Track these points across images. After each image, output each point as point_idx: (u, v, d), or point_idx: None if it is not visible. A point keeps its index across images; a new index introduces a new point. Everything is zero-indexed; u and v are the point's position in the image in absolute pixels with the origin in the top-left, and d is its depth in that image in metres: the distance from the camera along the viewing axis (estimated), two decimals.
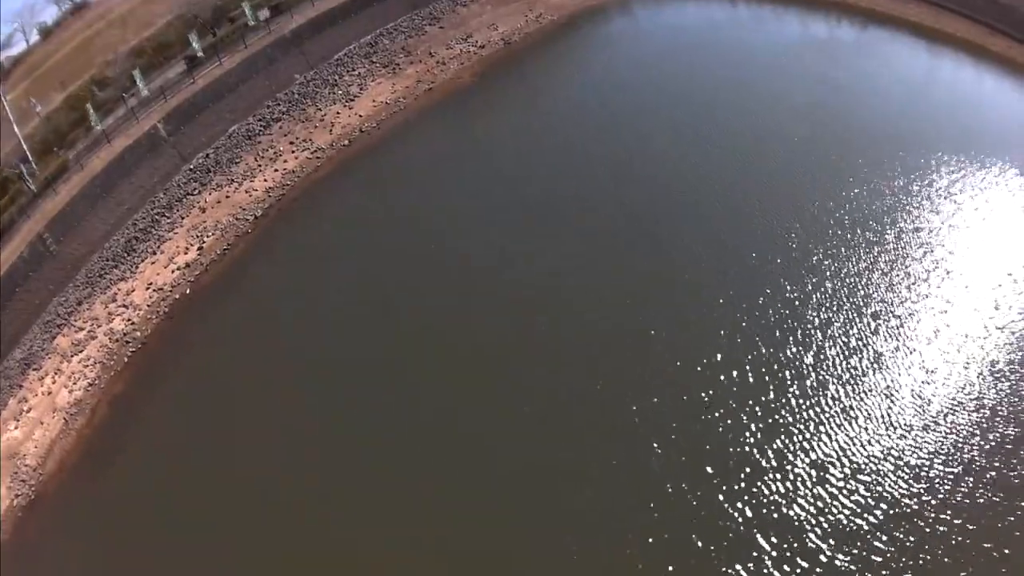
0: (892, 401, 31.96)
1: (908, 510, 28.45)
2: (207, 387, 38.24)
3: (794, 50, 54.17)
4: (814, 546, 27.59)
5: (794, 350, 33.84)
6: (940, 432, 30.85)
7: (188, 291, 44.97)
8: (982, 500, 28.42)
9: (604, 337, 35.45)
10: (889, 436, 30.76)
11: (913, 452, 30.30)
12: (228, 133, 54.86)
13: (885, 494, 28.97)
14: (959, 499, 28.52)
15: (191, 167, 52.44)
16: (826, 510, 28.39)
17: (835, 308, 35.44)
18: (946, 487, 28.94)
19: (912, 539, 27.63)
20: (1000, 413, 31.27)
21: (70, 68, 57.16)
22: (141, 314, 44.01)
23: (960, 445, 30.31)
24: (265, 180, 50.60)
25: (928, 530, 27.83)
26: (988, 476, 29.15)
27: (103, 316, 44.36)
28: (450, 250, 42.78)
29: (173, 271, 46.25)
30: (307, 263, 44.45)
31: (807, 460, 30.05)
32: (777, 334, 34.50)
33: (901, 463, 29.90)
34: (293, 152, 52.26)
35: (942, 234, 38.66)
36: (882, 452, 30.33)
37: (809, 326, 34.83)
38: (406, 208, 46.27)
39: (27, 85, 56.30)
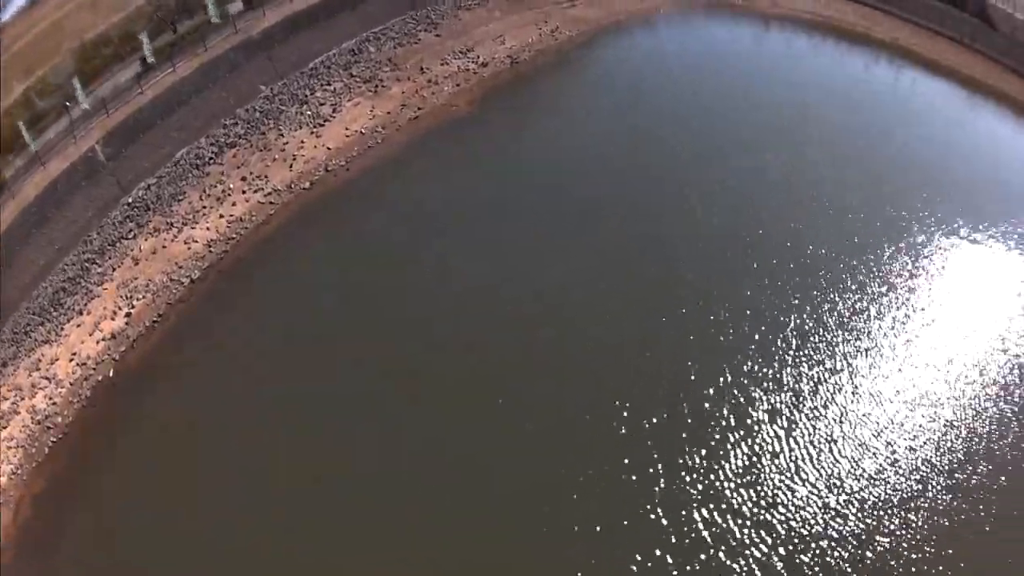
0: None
1: None
2: (130, 499, 30.66)
3: (827, 87, 48.77)
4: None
5: (807, 368, 33.72)
6: None
7: (111, 372, 35.68)
8: None
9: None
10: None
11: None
12: (175, 159, 44.57)
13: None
14: None
15: (129, 200, 42.38)
16: (843, 536, 28.24)
17: (850, 335, 35.21)
18: None
19: None
20: None
21: (25, 62, 46.34)
22: (63, 394, 35.22)
23: None
24: (207, 228, 40.33)
25: None
26: None
27: (26, 387, 35.65)
28: (419, 353, 34.00)
29: (98, 341, 36.93)
30: (245, 349, 35.23)
31: (819, 475, 30.14)
32: (790, 352, 34.23)
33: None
34: (244, 192, 41.60)
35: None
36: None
37: (822, 347, 34.53)
38: (367, 285, 36.77)
39: None
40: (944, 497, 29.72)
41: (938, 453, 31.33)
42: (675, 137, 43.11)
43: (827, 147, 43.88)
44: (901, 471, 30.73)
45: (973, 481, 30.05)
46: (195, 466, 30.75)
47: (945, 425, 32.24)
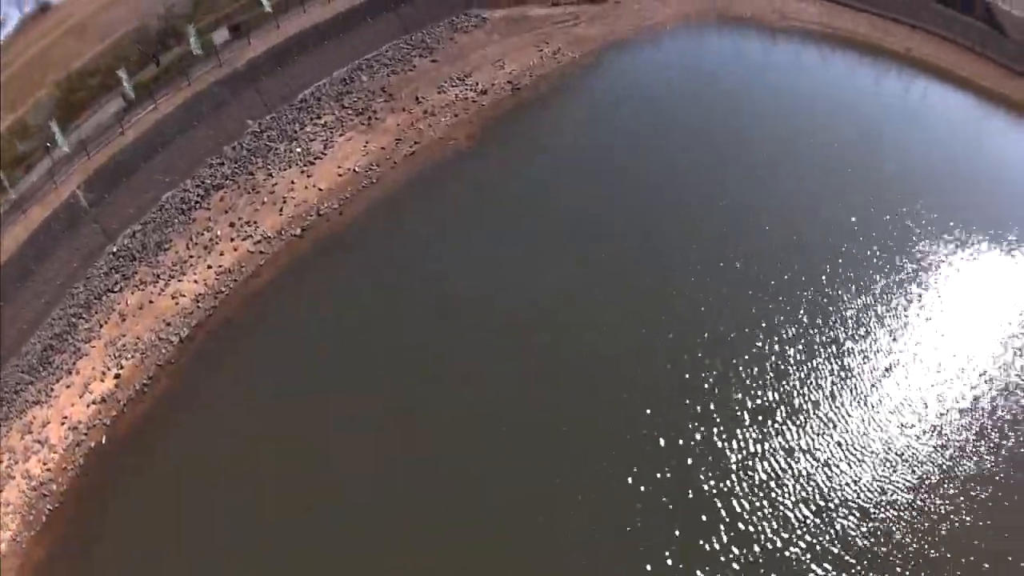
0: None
1: None
2: (127, 569, 29.01)
3: (837, 99, 46.55)
4: None
5: (804, 377, 33.03)
6: None
7: (103, 439, 33.32)
8: None
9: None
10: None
11: None
12: (160, 203, 41.83)
13: None
14: None
15: (115, 250, 39.69)
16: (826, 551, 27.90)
17: (851, 341, 34.47)
18: None
19: None
20: None
21: (9, 95, 43.54)
22: (57, 460, 33.17)
23: None
24: (195, 281, 37.72)
25: None
26: None
27: (20, 450, 33.60)
28: (414, 415, 31.48)
29: (88, 405, 34.54)
30: (236, 413, 32.80)
31: (815, 485, 29.84)
32: (789, 361, 33.57)
33: None
34: (232, 240, 38.63)
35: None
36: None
37: (821, 357, 33.79)
38: (360, 341, 34.06)
39: None
40: None
41: None
42: (688, 171, 40.24)
43: (839, 161, 42.24)
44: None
45: None
46: (190, 535, 29.10)
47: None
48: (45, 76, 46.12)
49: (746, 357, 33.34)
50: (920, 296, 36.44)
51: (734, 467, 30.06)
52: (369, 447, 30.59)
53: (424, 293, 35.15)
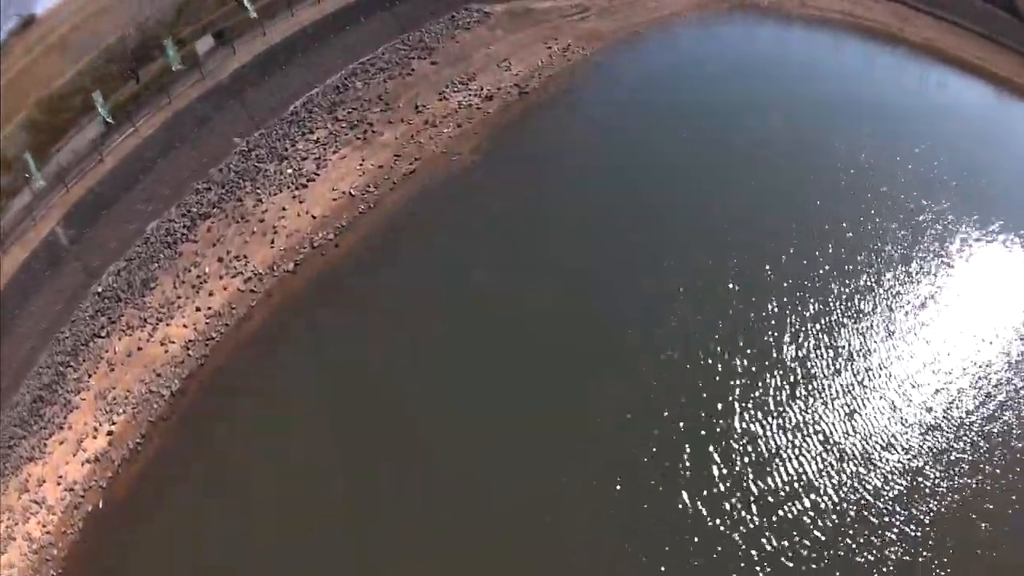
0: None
1: None
2: None
3: (859, 93, 42.53)
4: None
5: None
6: None
7: (100, 503, 31.00)
8: None
9: None
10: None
11: None
12: (144, 235, 38.48)
13: None
14: None
15: (99, 290, 36.58)
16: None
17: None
18: None
19: None
20: None
21: None
22: (56, 522, 30.93)
23: None
24: (184, 326, 34.76)
25: None
26: None
27: (18, 509, 31.45)
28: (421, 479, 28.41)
29: (83, 463, 32.05)
30: (232, 475, 30.14)
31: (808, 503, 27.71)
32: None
33: None
34: (221, 277, 35.38)
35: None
36: None
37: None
38: (361, 393, 31.03)
39: None
40: None
41: None
42: (714, 190, 35.86)
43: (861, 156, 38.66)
44: None
45: None
46: None
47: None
48: (27, 97, 42.65)
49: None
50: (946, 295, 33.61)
51: (741, 457, 28.32)
52: (375, 515, 27.79)
53: (424, 337, 31.71)
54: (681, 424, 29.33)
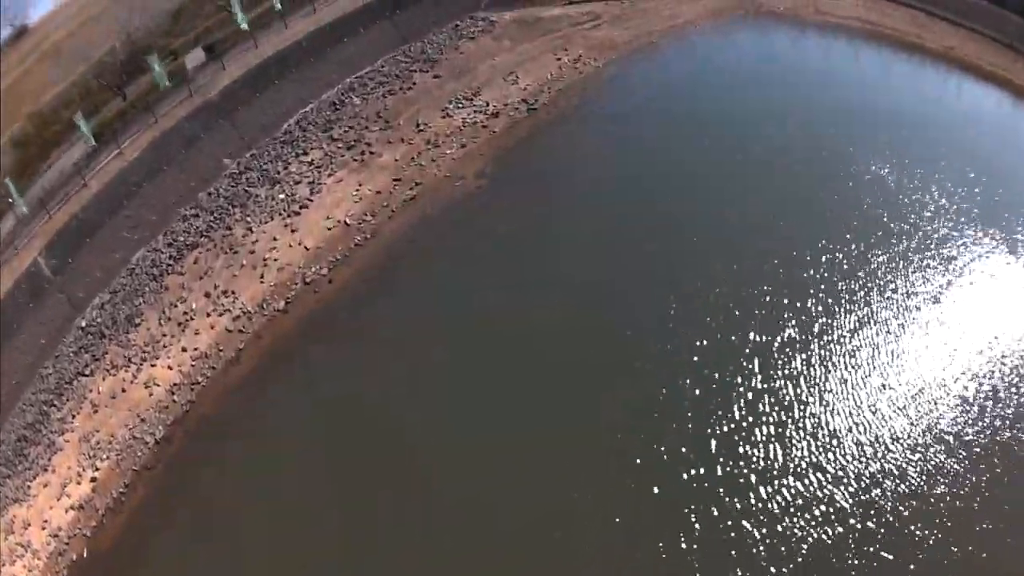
0: None
1: None
2: None
3: (881, 103, 39.75)
4: None
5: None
6: None
7: (84, 552, 28.86)
8: None
9: None
10: None
11: None
12: (130, 265, 36.14)
13: None
14: None
15: (83, 324, 34.36)
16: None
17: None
18: None
19: None
20: None
21: None
22: (41, 568, 29.08)
23: None
24: (169, 367, 32.36)
25: None
26: None
27: (5, 551, 29.70)
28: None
29: (67, 509, 30.04)
30: (217, 529, 27.58)
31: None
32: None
33: None
34: (208, 314, 32.86)
35: None
36: None
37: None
38: (354, 445, 28.28)
39: None
40: None
41: None
42: (732, 189, 33.06)
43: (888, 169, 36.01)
44: None
45: None
46: None
47: None
48: (21, 108, 40.79)
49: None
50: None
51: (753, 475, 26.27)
52: (373, 545, 25.60)
53: (423, 364, 29.18)
54: (697, 435, 27.15)
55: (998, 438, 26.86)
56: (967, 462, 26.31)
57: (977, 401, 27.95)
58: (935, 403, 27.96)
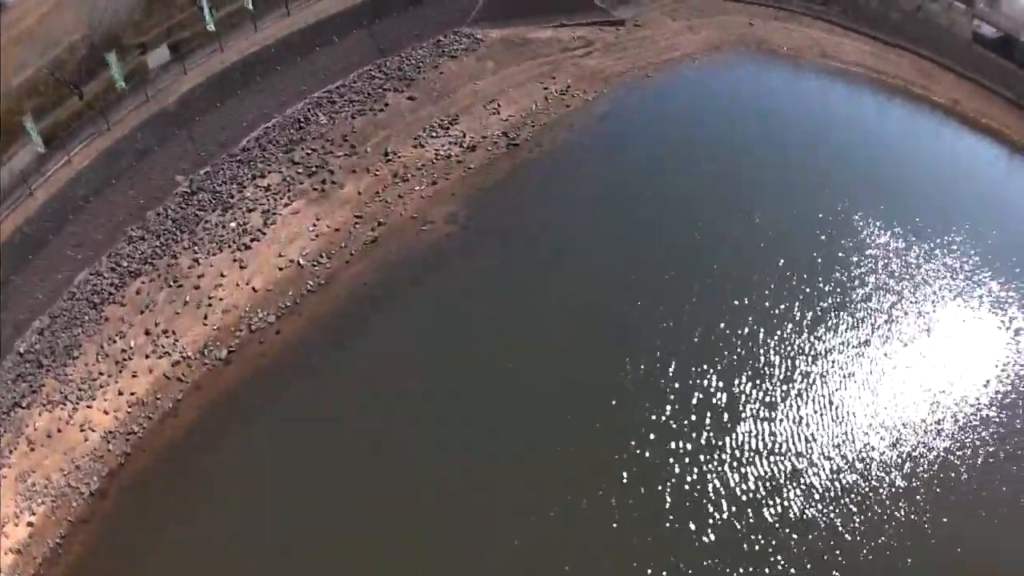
0: None
1: None
2: None
3: (885, 157, 37.75)
4: None
5: None
6: None
7: None
8: None
9: None
10: None
11: None
12: (72, 287, 33.65)
13: None
14: None
15: (22, 350, 32.05)
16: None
17: None
18: None
19: None
20: None
21: None
22: None
23: None
24: (105, 411, 30.25)
25: None
26: None
27: None
28: None
29: (7, 551, 28.34)
30: None
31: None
32: None
33: None
34: (147, 355, 30.90)
35: None
36: None
37: None
38: (300, 516, 26.27)
39: None
40: None
41: None
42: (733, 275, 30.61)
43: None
44: None
45: None
46: None
47: None
48: None
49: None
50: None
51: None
52: None
53: (374, 473, 26.53)
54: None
55: None
56: None
57: None
58: None
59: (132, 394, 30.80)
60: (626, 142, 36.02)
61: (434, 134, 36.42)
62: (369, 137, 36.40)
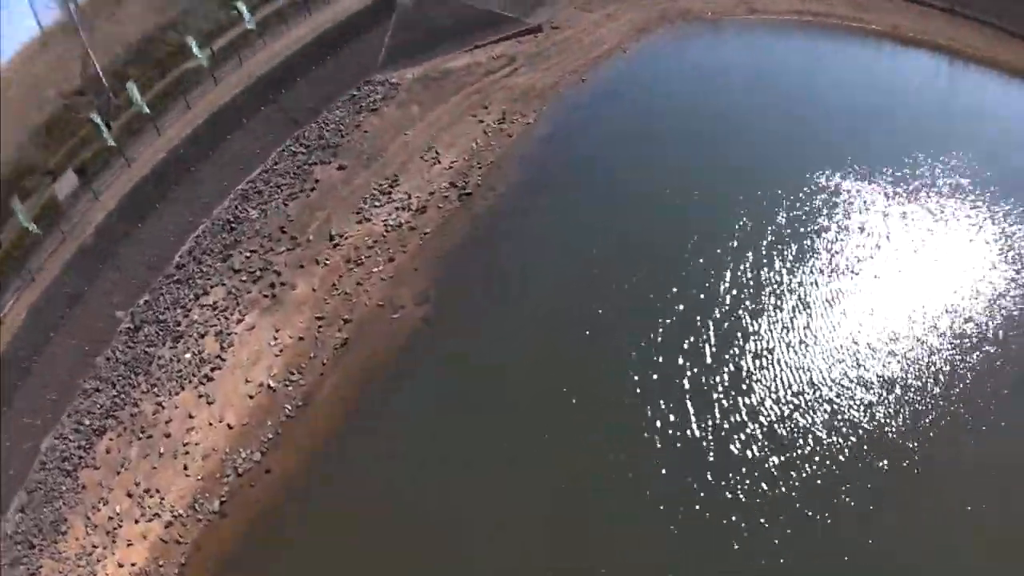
0: None
1: None
2: None
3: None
4: None
5: None
6: None
7: None
8: None
9: None
10: None
11: None
12: (40, 458, 30.94)
13: None
14: None
15: (10, 532, 29.50)
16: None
17: None
18: None
19: None
20: None
21: None
22: None
23: None
24: None
25: None
26: None
27: None
28: None
29: None
30: None
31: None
32: None
33: None
34: (137, 520, 29.09)
35: None
36: None
37: None
38: None
39: None
40: None
41: None
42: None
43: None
44: None
45: None
46: None
47: None
48: None
49: None
50: None
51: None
52: None
53: None
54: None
55: None
56: None
57: None
58: None
59: (133, 565, 28.74)
60: (578, 161, 33.79)
61: (377, 203, 33.87)
62: (308, 223, 33.75)
